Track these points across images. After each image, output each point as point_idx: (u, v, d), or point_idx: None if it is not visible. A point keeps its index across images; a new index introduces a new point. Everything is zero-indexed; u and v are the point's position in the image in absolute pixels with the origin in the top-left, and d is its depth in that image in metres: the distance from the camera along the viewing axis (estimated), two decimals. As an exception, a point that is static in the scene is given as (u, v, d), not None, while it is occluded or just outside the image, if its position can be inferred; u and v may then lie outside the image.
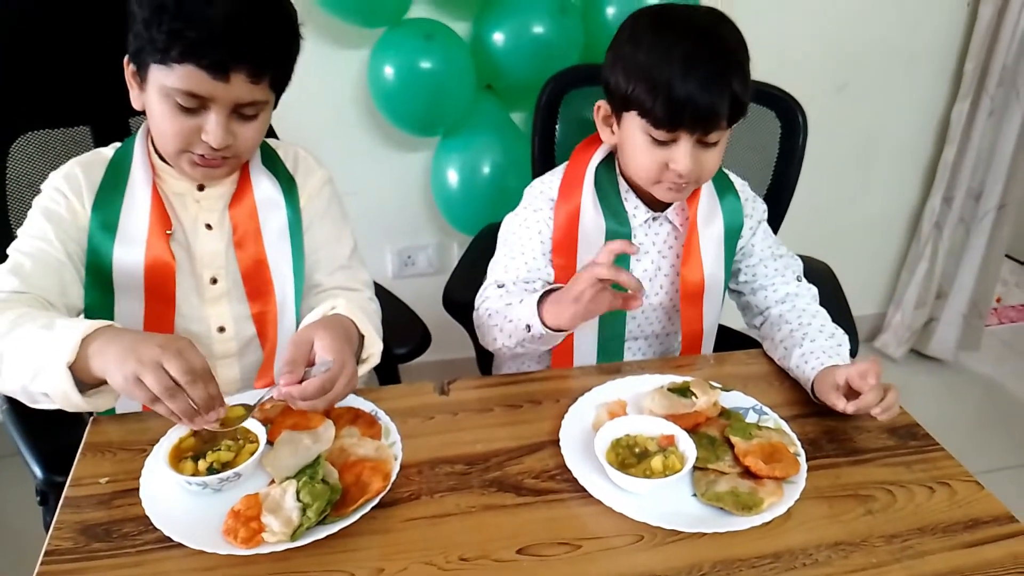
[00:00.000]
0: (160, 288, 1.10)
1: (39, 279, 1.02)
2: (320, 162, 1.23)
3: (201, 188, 1.12)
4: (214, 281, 1.14)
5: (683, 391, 1.06)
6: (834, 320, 1.22)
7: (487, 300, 1.22)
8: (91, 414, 1.05)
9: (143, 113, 1.06)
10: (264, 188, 1.14)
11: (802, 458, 0.97)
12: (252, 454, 0.90)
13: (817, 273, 1.38)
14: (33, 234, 1.05)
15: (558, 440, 0.99)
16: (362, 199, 1.63)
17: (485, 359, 1.52)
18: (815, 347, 1.13)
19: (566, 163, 1.27)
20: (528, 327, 1.11)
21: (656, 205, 1.24)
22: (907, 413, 1.09)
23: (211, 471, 0.88)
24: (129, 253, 1.08)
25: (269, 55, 1.00)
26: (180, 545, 0.82)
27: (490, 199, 1.92)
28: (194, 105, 0.98)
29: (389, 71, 1.80)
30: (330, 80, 1.92)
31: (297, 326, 1.13)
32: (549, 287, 1.13)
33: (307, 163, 1.21)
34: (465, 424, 1.04)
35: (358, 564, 0.82)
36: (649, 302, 1.29)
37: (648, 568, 0.84)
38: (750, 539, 0.87)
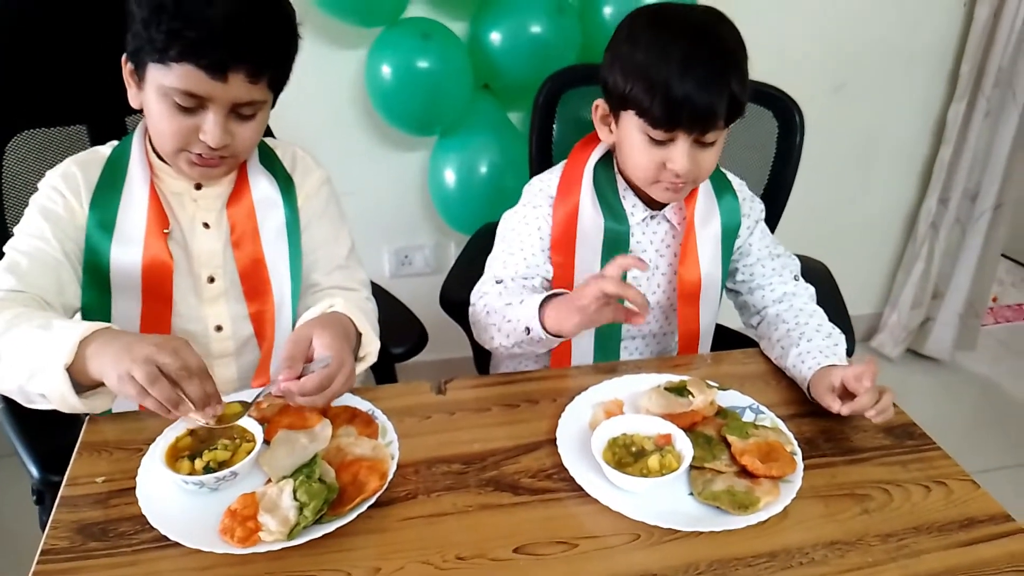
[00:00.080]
0: (157, 287, 1.10)
1: (36, 278, 1.02)
2: (318, 162, 1.23)
3: (199, 187, 1.12)
4: (211, 280, 1.14)
5: (680, 390, 1.06)
6: (831, 320, 1.22)
7: (485, 297, 1.21)
8: (87, 414, 1.05)
9: (140, 112, 1.06)
10: (262, 187, 1.14)
11: (798, 457, 0.97)
12: (249, 453, 0.90)
13: (814, 273, 1.38)
14: (30, 233, 1.05)
15: (555, 439, 0.99)
16: (359, 199, 1.63)
17: (482, 358, 1.52)
18: (812, 347, 1.13)
19: (565, 161, 1.27)
20: (528, 329, 1.11)
21: (654, 204, 1.24)
22: (903, 412, 1.10)
23: (208, 470, 0.88)
24: (126, 252, 1.08)
25: (267, 55, 1.00)
26: (177, 544, 0.82)
27: (487, 199, 1.92)
28: (192, 104, 0.98)
29: (386, 71, 1.80)
30: (327, 80, 1.92)
31: (294, 326, 1.13)
32: (552, 292, 1.12)
33: (305, 163, 1.21)
34: (462, 423, 1.04)
35: (355, 563, 0.82)
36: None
37: (645, 567, 0.84)
38: (746, 538, 0.87)
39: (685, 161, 1.10)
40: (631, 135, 1.14)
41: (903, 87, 2.32)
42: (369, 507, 0.87)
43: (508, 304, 1.16)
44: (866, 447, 1.03)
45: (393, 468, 0.92)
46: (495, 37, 1.83)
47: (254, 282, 1.16)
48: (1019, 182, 2.42)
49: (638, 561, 0.85)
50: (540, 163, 1.50)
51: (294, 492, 0.84)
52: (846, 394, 1.04)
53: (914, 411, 1.10)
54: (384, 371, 1.34)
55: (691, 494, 0.93)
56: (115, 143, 1.13)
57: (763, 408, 1.07)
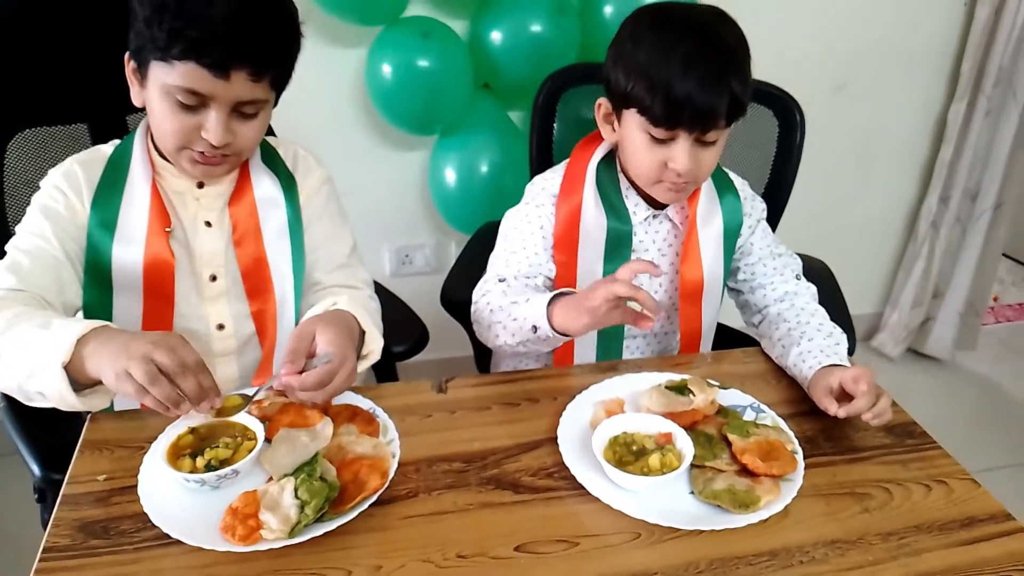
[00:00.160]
0: (159, 286, 1.10)
1: (37, 277, 1.02)
2: (319, 161, 1.23)
3: (201, 186, 1.12)
4: (213, 279, 1.14)
5: (681, 389, 1.06)
6: (832, 319, 1.22)
7: (488, 295, 1.21)
8: (88, 412, 1.05)
9: (141, 110, 1.06)
10: (264, 186, 1.14)
11: (799, 456, 0.97)
12: (250, 451, 0.90)
13: (815, 272, 1.38)
14: (31, 231, 1.05)
15: (556, 438, 0.99)
16: (360, 198, 1.63)
17: (483, 357, 1.53)
18: (813, 346, 1.13)
19: (567, 160, 1.27)
20: (535, 328, 1.10)
21: (656, 203, 1.25)
22: (904, 412, 1.10)
23: (209, 468, 0.88)
24: (128, 251, 1.08)
25: (270, 54, 1.00)
26: (178, 542, 0.82)
27: (488, 198, 1.92)
28: (194, 103, 0.99)
29: (387, 70, 1.80)
30: (327, 79, 1.93)
31: (296, 325, 1.13)
32: (560, 290, 1.12)
33: (307, 162, 1.21)
34: (463, 422, 1.04)
35: (356, 561, 0.82)
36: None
37: (645, 565, 0.84)
38: (747, 537, 0.87)
39: (686, 160, 1.10)
40: (633, 134, 1.14)
41: (903, 87, 2.32)
42: (370, 505, 0.87)
43: (514, 303, 1.16)
44: (867, 446, 1.03)
45: (394, 466, 0.92)
46: (495, 36, 1.83)
47: (256, 281, 1.16)
48: (1019, 181, 2.42)
49: (639, 560, 0.85)
50: (540, 162, 1.50)
51: (295, 490, 0.84)
52: (844, 396, 1.04)
53: (915, 410, 1.10)
54: (385, 370, 1.34)
55: (692, 493, 0.93)
56: (117, 142, 1.13)
57: (764, 407, 1.07)
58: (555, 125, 1.52)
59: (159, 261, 1.09)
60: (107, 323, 0.91)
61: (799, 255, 1.34)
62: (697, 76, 1.05)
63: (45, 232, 1.04)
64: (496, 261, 1.25)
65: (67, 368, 0.86)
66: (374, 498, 0.88)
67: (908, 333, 2.65)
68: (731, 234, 1.27)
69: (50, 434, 1.12)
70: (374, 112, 1.93)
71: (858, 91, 2.28)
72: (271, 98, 1.06)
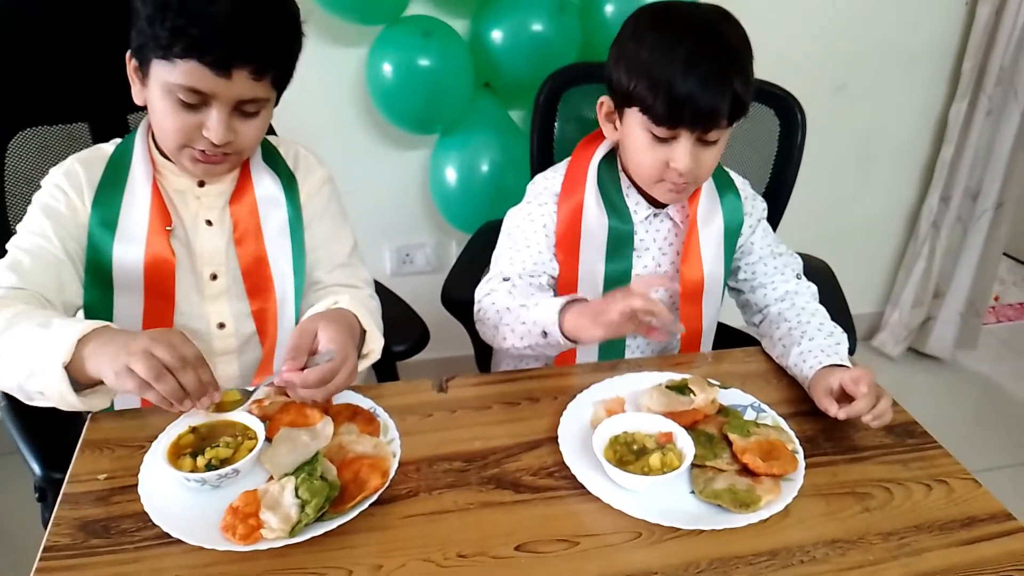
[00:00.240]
0: (160, 285, 1.10)
1: (37, 276, 1.02)
2: (320, 160, 1.23)
3: (201, 184, 1.12)
4: (214, 278, 1.14)
5: (681, 388, 1.06)
6: (833, 318, 1.22)
7: (494, 294, 1.20)
8: (88, 412, 1.05)
9: (142, 109, 1.06)
10: (265, 185, 1.14)
11: (800, 456, 0.97)
12: (250, 451, 0.90)
13: (816, 271, 1.38)
14: (32, 230, 1.05)
15: (556, 437, 0.99)
16: (360, 197, 1.63)
17: (484, 356, 1.53)
18: (813, 345, 1.13)
19: (568, 159, 1.27)
20: (544, 333, 1.09)
21: (657, 202, 1.24)
22: (905, 411, 1.10)
23: (209, 467, 0.88)
24: (129, 250, 1.08)
25: (271, 53, 1.00)
26: (179, 541, 0.82)
27: (488, 197, 1.92)
28: (196, 101, 0.99)
29: (387, 69, 1.80)
30: (328, 78, 1.92)
31: (296, 324, 1.13)
32: (572, 297, 1.11)
33: (308, 161, 1.21)
34: (463, 421, 1.04)
35: (356, 561, 0.83)
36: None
37: (646, 565, 0.84)
38: (747, 536, 0.87)
39: (688, 159, 1.10)
40: (635, 132, 1.14)
41: (904, 86, 2.32)
42: (370, 505, 0.87)
43: (522, 305, 1.15)
44: (867, 446, 1.03)
45: (394, 466, 0.92)
46: (496, 35, 1.83)
47: (256, 280, 1.16)
48: (1020, 181, 2.42)
49: (639, 559, 0.85)
50: (541, 161, 1.50)
51: (296, 490, 0.84)
52: (844, 397, 1.04)
53: (915, 410, 1.10)
54: (386, 369, 1.34)
55: (692, 492, 0.93)
56: (118, 141, 1.13)
57: (764, 406, 1.07)
58: (556, 124, 1.52)
59: (160, 260, 1.09)
60: (108, 323, 0.91)
61: (800, 255, 1.34)
62: (699, 75, 1.05)
63: (46, 231, 1.04)
64: (500, 259, 1.25)
65: (67, 368, 0.86)
66: (375, 497, 0.88)
67: (909, 332, 2.65)
68: (732, 233, 1.27)
69: (51, 433, 1.12)
70: (375, 111, 1.93)
71: (859, 91, 2.28)
72: (272, 97, 1.06)
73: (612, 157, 1.25)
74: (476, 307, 1.23)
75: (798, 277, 1.30)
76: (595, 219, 1.21)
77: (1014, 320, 2.96)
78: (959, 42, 2.30)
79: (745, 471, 0.95)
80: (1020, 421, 2.44)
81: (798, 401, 1.11)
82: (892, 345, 2.65)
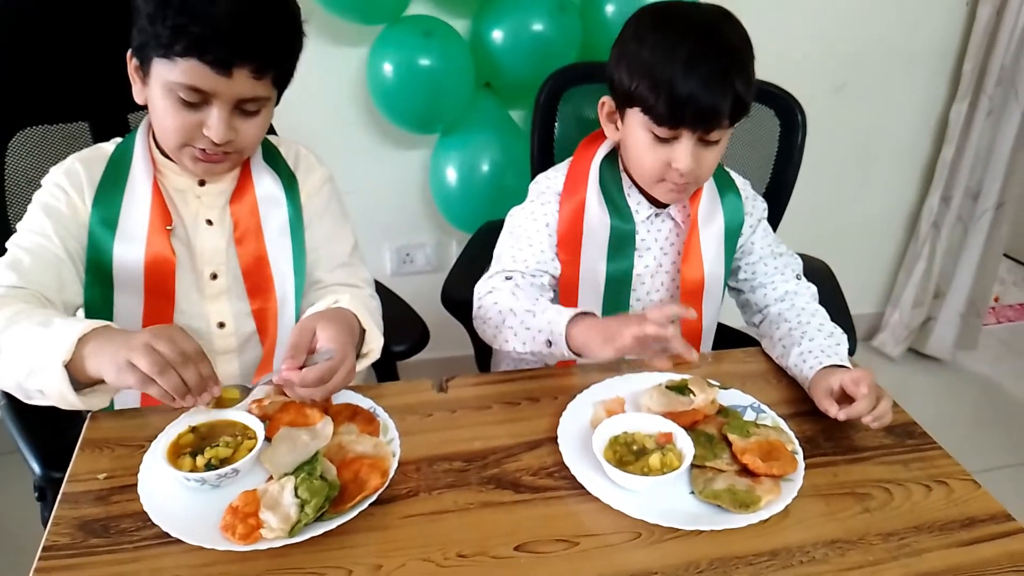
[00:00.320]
0: (160, 284, 1.10)
1: (37, 275, 1.02)
2: (321, 160, 1.23)
3: (202, 184, 1.12)
4: (214, 277, 1.14)
5: (681, 389, 1.06)
6: (833, 319, 1.22)
7: (496, 292, 1.19)
8: (88, 411, 1.05)
9: (142, 108, 1.06)
10: (265, 185, 1.14)
11: (800, 456, 0.97)
12: (250, 450, 0.90)
13: (816, 272, 1.38)
14: (32, 229, 1.05)
15: (556, 437, 0.99)
16: (360, 197, 1.63)
17: (483, 356, 1.52)
18: (813, 346, 1.13)
19: (570, 159, 1.27)
20: (549, 342, 1.08)
21: (658, 201, 1.24)
22: (904, 412, 1.10)
23: (209, 467, 0.88)
24: (129, 249, 1.08)
25: (272, 51, 1.00)
26: (178, 541, 0.82)
27: (489, 197, 1.92)
28: (196, 100, 0.99)
29: (388, 68, 1.80)
30: (329, 78, 1.92)
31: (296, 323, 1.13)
32: (581, 309, 1.09)
33: (308, 160, 1.21)
34: (463, 421, 1.04)
35: (356, 560, 0.82)
36: (649, 299, 1.30)
37: (645, 565, 0.84)
38: (747, 537, 0.87)
39: (689, 160, 1.10)
40: (636, 132, 1.14)
41: (903, 87, 2.32)
42: (370, 504, 0.87)
43: (528, 310, 1.13)
44: (867, 446, 1.03)
45: (394, 466, 0.92)
46: (497, 35, 1.83)
47: (257, 279, 1.16)
48: (1021, 181, 2.42)
49: (639, 559, 0.85)
50: (542, 161, 1.50)
51: (295, 489, 0.84)
52: (845, 398, 1.04)
53: (915, 410, 1.10)
54: (386, 369, 1.34)
55: (692, 493, 0.93)
56: (118, 140, 1.13)
57: (764, 407, 1.07)
58: (556, 124, 1.51)
59: (160, 259, 1.09)
60: (108, 323, 0.91)
61: (800, 255, 1.34)
62: (700, 75, 1.05)
63: (46, 230, 1.04)
64: (502, 256, 1.24)
65: (67, 367, 0.86)
66: (374, 497, 0.88)
67: (909, 333, 2.65)
68: (732, 233, 1.26)
69: (50, 432, 1.12)
70: (375, 111, 1.93)
71: (859, 91, 2.28)
72: (273, 96, 1.06)
73: (613, 157, 1.25)
74: (476, 304, 1.22)
75: (798, 278, 1.30)
76: (597, 218, 1.21)
77: (1014, 321, 2.96)
78: (960, 42, 2.29)
79: (745, 471, 0.95)
80: (1020, 422, 2.44)
81: (798, 401, 1.11)
82: (892, 345, 2.65)
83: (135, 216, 1.08)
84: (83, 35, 1.27)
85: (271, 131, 1.33)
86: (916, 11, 2.21)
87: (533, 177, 1.32)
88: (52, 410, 0.92)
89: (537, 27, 1.80)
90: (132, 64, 1.03)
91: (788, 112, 1.51)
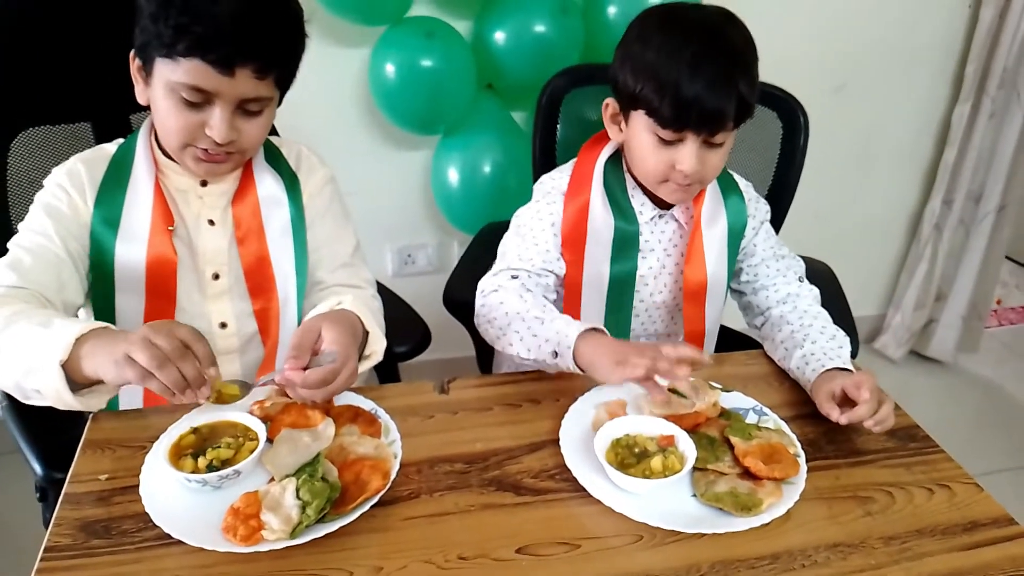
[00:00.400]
0: (161, 284, 1.10)
1: (38, 275, 1.02)
2: (322, 160, 1.23)
3: (204, 184, 1.12)
4: (216, 277, 1.14)
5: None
6: (835, 322, 1.22)
7: (502, 292, 1.18)
8: (89, 411, 1.05)
9: (144, 109, 1.06)
10: (267, 185, 1.14)
11: (802, 459, 0.97)
12: (252, 452, 0.90)
13: (818, 274, 1.38)
14: (33, 229, 1.05)
15: (558, 439, 0.99)
16: (362, 198, 1.63)
17: (485, 358, 1.52)
18: (816, 348, 1.13)
19: (574, 160, 1.27)
20: (555, 353, 1.07)
21: (662, 203, 1.24)
22: (907, 415, 1.09)
23: (211, 468, 0.88)
24: (131, 249, 1.08)
25: (275, 51, 1.00)
26: (179, 542, 0.82)
27: (491, 198, 1.92)
28: (199, 100, 0.99)
29: (390, 69, 1.80)
30: (330, 78, 1.92)
31: (299, 323, 1.13)
32: (591, 325, 1.08)
33: (310, 161, 1.21)
34: (465, 423, 1.04)
35: (357, 562, 0.82)
36: (652, 300, 1.29)
37: (647, 568, 0.84)
38: (749, 540, 0.87)
39: (693, 162, 1.10)
40: (640, 135, 1.14)
41: (904, 88, 2.32)
42: (372, 506, 0.87)
43: (537, 317, 1.11)
44: (869, 449, 1.03)
45: (396, 467, 0.92)
46: (499, 36, 1.82)
47: (258, 279, 1.16)
48: (1023, 183, 2.41)
49: (640, 562, 0.84)
50: (543, 163, 1.50)
51: (297, 491, 0.84)
52: (847, 401, 1.04)
53: (917, 413, 1.10)
54: (387, 370, 1.34)
55: (694, 495, 0.93)
56: (120, 141, 1.14)
57: (766, 410, 1.07)
58: (558, 126, 1.51)
59: (162, 259, 1.09)
60: (108, 324, 0.91)
61: (802, 257, 1.34)
62: (705, 78, 1.05)
63: (47, 230, 1.04)
64: (507, 254, 1.24)
65: (64, 367, 0.87)
66: (376, 499, 0.88)
67: (911, 335, 2.64)
68: (735, 235, 1.26)
69: (52, 433, 1.12)
70: (377, 112, 1.93)
71: (859, 92, 2.28)
72: (275, 96, 1.06)
73: (617, 158, 1.24)
74: (479, 302, 1.21)
75: (800, 280, 1.29)
76: (601, 219, 1.21)
77: (1016, 323, 2.95)
78: (962, 44, 2.29)
79: (747, 474, 0.95)
80: (1021, 424, 2.43)
81: (800, 404, 1.11)
82: (894, 348, 2.65)
83: (137, 216, 1.09)
84: (85, 35, 1.27)
85: (273, 132, 1.33)
86: (917, 12, 2.20)
87: (535, 179, 1.32)
88: (53, 410, 0.92)
89: (539, 28, 1.80)
90: (134, 64, 1.03)
91: (790, 114, 1.51)
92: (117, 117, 1.31)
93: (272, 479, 0.89)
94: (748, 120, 1.12)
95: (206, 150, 1.03)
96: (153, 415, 1.01)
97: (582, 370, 1.05)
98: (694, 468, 0.94)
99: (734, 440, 0.98)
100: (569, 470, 0.94)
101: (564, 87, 1.50)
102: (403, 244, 2.21)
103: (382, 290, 1.29)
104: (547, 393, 1.10)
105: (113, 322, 1.08)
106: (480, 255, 1.40)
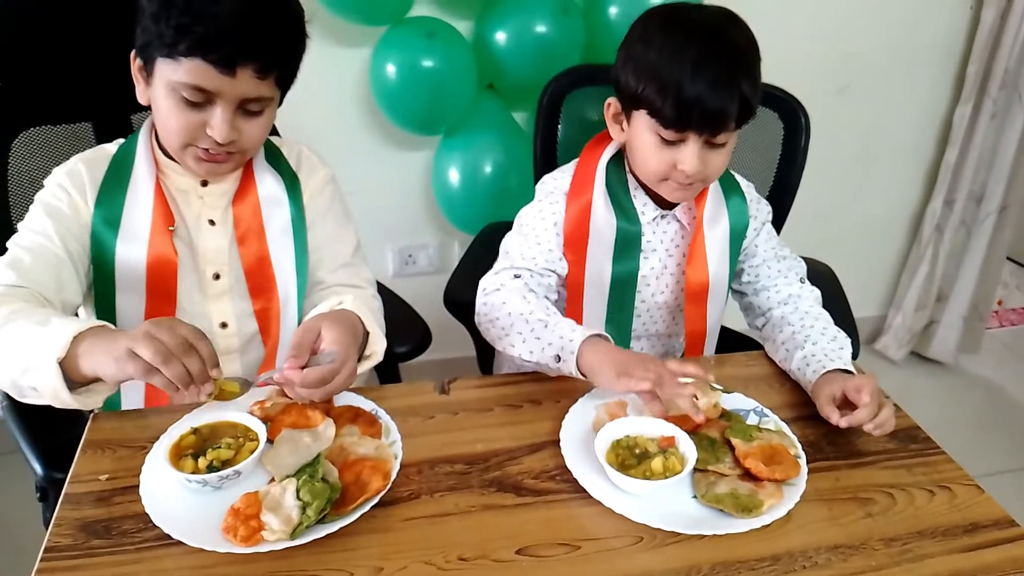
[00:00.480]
0: (162, 284, 1.10)
1: (37, 274, 1.02)
2: (323, 160, 1.23)
3: (204, 184, 1.12)
4: (217, 277, 1.14)
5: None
6: (836, 323, 1.22)
7: (504, 291, 1.17)
8: (91, 410, 1.05)
9: (146, 109, 1.06)
10: (268, 185, 1.14)
11: (802, 460, 0.97)
12: (252, 452, 0.90)
13: (819, 275, 1.38)
14: (33, 229, 1.05)
15: (558, 440, 0.99)
16: (363, 198, 1.63)
17: (486, 358, 1.52)
18: (817, 350, 1.13)
19: (576, 160, 1.27)
20: (558, 357, 1.07)
21: (664, 203, 1.24)
22: (907, 416, 1.09)
23: (211, 469, 0.88)
24: (132, 249, 1.08)
25: (276, 51, 1.00)
26: (180, 543, 0.82)
27: (491, 198, 1.92)
28: (200, 99, 0.99)
29: (391, 70, 1.80)
30: (331, 78, 1.92)
31: (299, 323, 1.13)
32: (595, 332, 1.07)
33: (310, 161, 1.21)
34: (465, 424, 1.04)
35: (357, 563, 0.82)
36: (654, 300, 1.29)
37: (647, 569, 0.84)
38: (750, 541, 0.87)
39: (695, 162, 1.10)
40: (642, 135, 1.14)
41: (906, 89, 2.31)
42: (372, 507, 0.87)
43: (541, 320, 1.11)
44: (870, 451, 1.03)
45: (396, 468, 0.92)
46: (500, 37, 1.82)
47: (259, 279, 1.16)
48: (1025, 184, 2.42)
49: (640, 563, 0.84)
50: (544, 163, 1.50)
51: (297, 491, 0.84)
52: (847, 404, 1.03)
53: (917, 414, 1.10)
54: (388, 371, 1.34)
55: (694, 497, 0.93)
56: (121, 141, 1.14)
57: (767, 411, 1.07)
58: (559, 126, 1.51)
59: (162, 259, 1.09)
60: (106, 323, 0.91)
61: (803, 258, 1.34)
62: (707, 78, 1.05)
63: (47, 230, 1.04)
64: (511, 252, 1.23)
65: (62, 365, 0.87)
66: (376, 500, 0.88)
67: (912, 336, 2.64)
68: (737, 236, 1.26)
69: (52, 433, 1.12)
70: (378, 112, 1.93)
71: (861, 93, 2.28)
72: (276, 96, 1.06)
73: (620, 158, 1.24)
74: (481, 300, 1.20)
75: (801, 281, 1.29)
76: (604, 219, 1.21)
77: (1017, 324, 2.95)
78: (964, 45, 2.29)
79: (747, 476, 0.94)
80: (1022, 425, 2.43)
81: (801, 405, 1.11)
82: (895, 349, 2.65)
83: (137, 216, 1.09)
84: (87, 36, 1.27)
85: (274, 132, 1.33)
86: (919, 12, 2.20)
87: (536, 179, 1.32)
88: (54, 410, 0.92)
89: (540, 29, 1.80)
90: (136, 64, 1.03)
91: (792, 115, 1.51)
92: (118, 117, 1.31)
93: (272, 480, 0.89)
94: (750, 120, 1.11)
95: (207, 150, 1.03)
96: (153, 415, 1.01)
97: (584, 375, 1.05)
98: (695, 469, 0.94)
99: (735, 441, 0.98)
100: (569, 471, 0.94)
101: (565, 87, 1.50)
102: (404, 244, 2.21)
103: (383, 290, 1.29)
104: (548, 394, 1.10)
105: (114, 322, 1.09)
106: (481, 255, 1.40)
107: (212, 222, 1.13)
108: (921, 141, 2.43)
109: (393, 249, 2.21)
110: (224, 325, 1.16)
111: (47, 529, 0.85)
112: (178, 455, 0.91)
